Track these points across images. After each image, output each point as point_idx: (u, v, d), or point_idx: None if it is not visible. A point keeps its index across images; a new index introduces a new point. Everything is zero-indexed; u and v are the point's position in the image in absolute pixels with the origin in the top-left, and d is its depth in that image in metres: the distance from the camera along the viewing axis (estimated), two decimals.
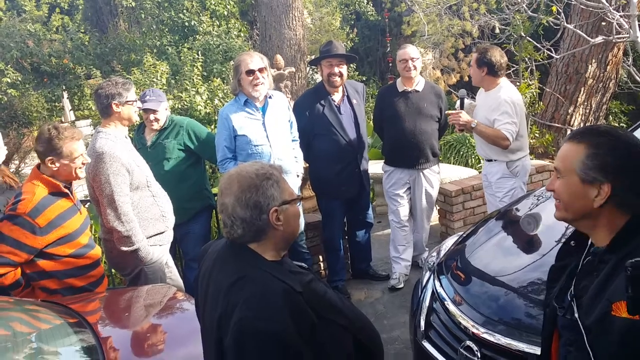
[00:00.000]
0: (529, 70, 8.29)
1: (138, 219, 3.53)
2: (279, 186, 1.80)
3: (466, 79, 8.86)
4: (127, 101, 3.56)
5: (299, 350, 1.64)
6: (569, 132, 8.03)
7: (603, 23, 7.13)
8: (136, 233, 3.48)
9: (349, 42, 12.15)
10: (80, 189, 7.24)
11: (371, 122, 5.26)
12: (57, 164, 3.11)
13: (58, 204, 3.13)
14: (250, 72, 4.01)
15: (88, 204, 4.17)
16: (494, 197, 4.51)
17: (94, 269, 3.35)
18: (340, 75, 4.49)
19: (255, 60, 4.05)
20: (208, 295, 1.86)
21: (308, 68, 10.12)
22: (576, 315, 1.58)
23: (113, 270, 4.61)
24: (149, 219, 3.62)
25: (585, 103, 8.16)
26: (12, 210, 3.03)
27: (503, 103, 4.29)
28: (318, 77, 12.13)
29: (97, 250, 3.37)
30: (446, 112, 4.69)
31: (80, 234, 3.26)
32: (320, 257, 5.11)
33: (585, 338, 1.53)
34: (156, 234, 3.67)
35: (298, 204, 1.91)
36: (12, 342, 2.57)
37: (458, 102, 4.41)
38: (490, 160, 4.51)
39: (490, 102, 4.34)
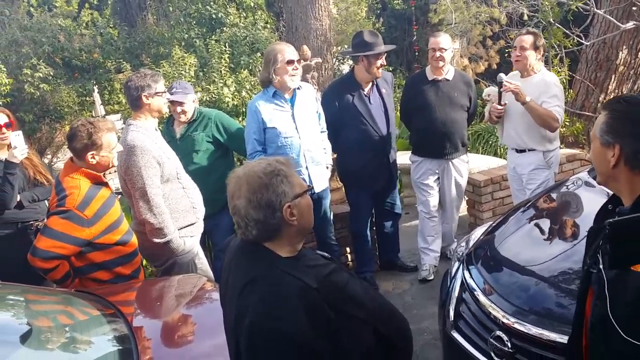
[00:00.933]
0: (558, 57, 8.16)
1: (169, 211, 3.58)
2: (289, 181, 1.77)
3: (494, 66, 8.75)
4: (157, 92, 3.60)
5: (315, 348, 1.62)
6: None
7: (634, 8, 6.99)
8: (168, 225, 3.53)
9: (374, 31, 12.03)
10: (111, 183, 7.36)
11: (397, 112, 5.24)
12: (97, 157, 3.18)
13: (101, 194, 3.20)
14: (291, 62, 4.04)
15: (119, 196, 4.25)
16: (523, 190, 4.44)
17: (136, 256, 3.43)
18: (382, 66, 4.50)
19: (292, 50, 4.09)
20: (227, 293, 1.86)
21: (334, 59, 10.11)
22: (601, 266, 1.66)
23: (144, 261, 4.68)
24: (180, 210, 3.67)
25: (617, 90, 8.00)
26: (60, 206, 3.10)
27: (552, 86, 4.27)
28: (344, 68, 12.12)
29: (135, 238, 3.44)
30: (484, 97, 4.61)
31: (122, 220, 3.34)
32: (348, 249, 5.12)
33: (606, 287, 1.62)
34: (187, 225, 3.72)
35: (310, 193, 1.88)
36: (48, 332, 2.64)
37: (497, 86, 4.36)
38: (522, 151, 4.43)
39: (534, 86, 4.25)
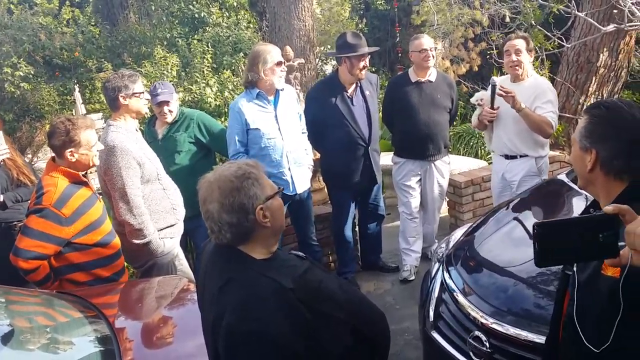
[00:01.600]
0: (539, 59, 8.23)
1: (149, 212, 3.57)
2: (259, 183, 1.79)
3: (476, 68, 8.81)
4: (134, 93, 3.59)
5: (295, 349, 1.63)
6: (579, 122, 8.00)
7: (615, 11, 7.05)
8: (147, 226, 3.53)
9: (358, 32, 12.07)
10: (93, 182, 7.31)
11: (380, 113, 5.27)
12: (76, 155, 3.16)
13: (80, 192, 3.19)
14: (280, 64, 4.07)
15: (100, 196, 4.23)
16: (510, 197, 4.42)
17: (118, 259, 3.42)
18: (365, 68, 4.50)
19: (279, 51, 4.14)
20: (204, 295, 1.87)
21: (317, 59, 10.12)
22: (574, 268, 1.71)
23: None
24: (160, 211, 3.66)
25: (597, 93, 8.09)
26: (37, 204, 3.08)
27: (548, 91, 4.25)
28: (327, 69, 12.13)
29: (117, 240, 3.43)
30: (473, 102, 4.57)
31: (104, 221, 3.33)
32: (330, 250, 5.14)
33: (575, 290, 1.67)
34: (167, 227, 3.71)
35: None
36: (29, 333, 2.63)
37: (489, 89, 4.29)
38: (513, 157, 4.35)
39: (526, 90, 4.20)
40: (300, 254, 1.94)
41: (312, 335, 1.68)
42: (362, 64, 4.44)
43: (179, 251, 3.87)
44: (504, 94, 4.10)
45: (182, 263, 3.89)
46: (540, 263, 1.43)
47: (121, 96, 3.55)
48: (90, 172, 3.45)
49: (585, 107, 7.96)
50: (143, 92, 3.68)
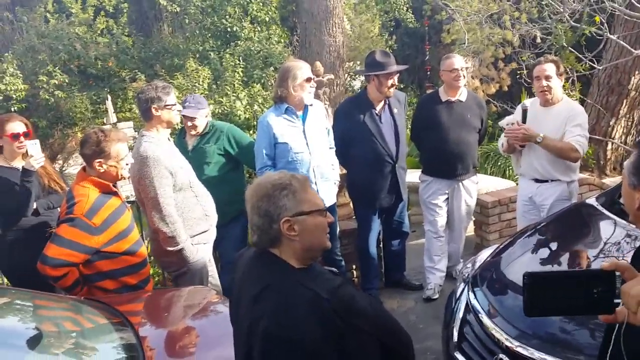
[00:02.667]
0: (570, 81, 8.18)
1: (182, 219, 3.64)
2: (295, 197, 1.82)
3: (505, 88, 8.78)
4: (167, 105, 3.65)
5: (326, 357, 1.67)
6: (609, 144, 7.91)
7: None
8: (180, 234, 3.59)
9: (388, 49, 12.13)
10: (122, 190, 7.41)
11: (408, 130, 5.27)
12: (105, 166, 3.23)
13: (110, 202, 3.25)
14: (309, 80, 4.12)
15: (129, 205, 4.30)
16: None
17: (144, 267, 3.48)
18: (393, 86, 4.52)
19: (308, 67, 4.19)
20: (241, 302, 1.90)
21: (346, 75, 10.17)
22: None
23: (158, 270, 4.75)
24: (192, 218, 3.73)
25: (628, 115, 8.02)
26: (69, 214, 3.14)
27: (580, 114, 4.18)
28: (356, 84, 12.19)
29: (144, 248, 3.49)
30: (503, 126, 4.50)
31: (132, 230, 3.39)
32: (354, 265, 5.14)
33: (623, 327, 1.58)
34: (200, 233, 3.78)
35: (324, 215, 1.90)
36: (56, 338, 2.68)
37: (520, 114, 4.22)
38: (544, 181, 4.27)
39: (557, 114, 4.14)
40: (334, 269, 1.98)
41: (343, 346, 1.71)
42: (390, 82, 4.46)
43: (210, 258, 3.94)
44: (516, 133, 4.09)
45: (213, 270, 3.96)
46: (529, 313, 1.41)
47: (154, 107, 3.61)
48: (122, 185, 3.52)
49: (613, 134, 7.93)
50: (175, 104, 3.75)
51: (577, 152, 4.05)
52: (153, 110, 3.62)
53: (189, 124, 4.37)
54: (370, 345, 1.82)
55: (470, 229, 5.78)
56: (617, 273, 1.35)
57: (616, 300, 1.34)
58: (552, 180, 4.24)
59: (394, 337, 1.92)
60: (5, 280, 4.35)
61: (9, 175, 3.77)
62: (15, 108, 8.97)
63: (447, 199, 4.89)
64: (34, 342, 2.61)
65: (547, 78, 4.15)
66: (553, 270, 1.67)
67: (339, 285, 1.83)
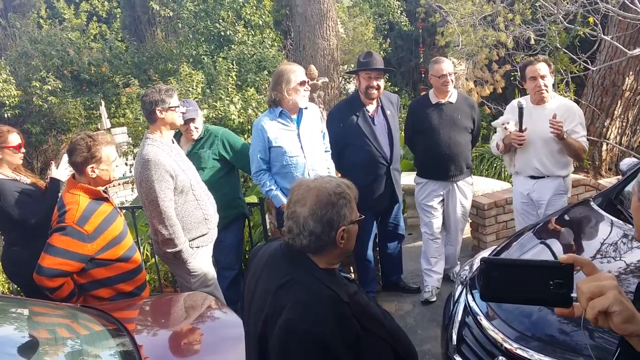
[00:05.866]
0: (564, 82, 8.20)
1: (181, 223, 3.67)
2: (350, 206, 1.86)
3: (499, 90, 8.79)
4: (170, 107, 3.67)
5: (342, 355, 1.68)
6: (604, 145, 7.93)
7: None
8: (179, 236, 3.62)
9: (381, 52, 12.15)
10: (116, 196, 7.39)
11: (402, 133, 5.26)
12: (97, 170, 3.22)
13: (101, 209, 3.23)
14: (303, 83, 4.11)
15: (124, 211, 4.29)
16: (537, 217, 4.35)
17: (139, 273, 3.47)
18: (378, 87, 4.50)
19: (303, 70, 4.18)
20: (255, 296, 1.92)
21: (341, 78, 10.16)
22: None
23: (154, 276, 4.72)
24: (192, 222, 3.76)
25: (622, 116, 8.03)
26: (60, 222, 3.12)
27: (578, 113, 4.24)
28: (350, 87, 12.18)
29: (138, 255, 3.49)
30: (497, 126, 4.55)
31: (125, 236, 3.38)
32: (351, 269, 5.12)
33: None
34: (199, 236, 3.81)
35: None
36: (53, 346, 2.64)
37: (512, 112, 4.33)
38: (541, 178, 4.34)
39: (551, 113, 4.14)
40: (349, 276, 1.99)
41: (359, 348, 1.73)
42: (374, 82, 4.46)
43: (210, 261, 3.97)
44: (555, 129, 4.03)
45: (214, 279, 3.97)
46: (486, 298, 1.40)
47: (158, 110, 3.64)
48: (113, 186, 3.51)
49: (608, 134, 7.94)
50: (178, 106, 3.76)
51: (585, 151, 4.19)
52: (157, 113, 3.64)
53: (192, 126, 4.36)
54: (383, 351, 1.84)
55: (467, 231, 5.78)
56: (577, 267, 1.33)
57: (573, 295, 1.31)
58: (548, 176, 4.32)
59: (401, 344, 1.94)
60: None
61: (19, 187, 3.82)
62: (9, 114, 8.94)
63: (443, 200, 4.88)
64: (29, 350, 2.58)
65: (543, 77, 4.22)
66: (510, 258, 1.64)
67: (356, 292, 1.88)
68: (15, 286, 4.91)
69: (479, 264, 1.37)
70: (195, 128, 4.39)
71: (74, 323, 2.94)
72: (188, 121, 4.32)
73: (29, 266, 3.20)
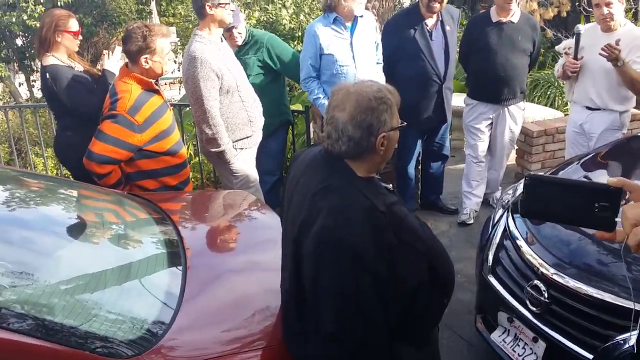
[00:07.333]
0: (632, 12, 7.76)
1: (226, 124, 3.67)
2: (391, 112, 1.80)
3: (564, 14, 8.37)
4: (220, 3, 3.59)
5: (374, 265, 1.69)
6: None
7: None
8: (222, 136, 3.64)
9: None
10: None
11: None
12: (150, 62, 3.22)
13: (152, 100, 3.25)
14: None
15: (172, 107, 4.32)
16: (587, 149, 4.18)
17: (184, 168, 3.53)
18: (441, 1, 4.31)
19: None
20: (293, 199, 1.92)
21: None
22: None
23: (197, 174, 4.80)
24: (236, 123, 3.76)
25: None
26: (112, 110, 3.16)
27: None
28: (405, 2, 11.77)
29: (184, 150, 3.54)
30: (560, 50, 4.33)
31: (173, 130, 3.41)
32: (391, 185, 5.11)
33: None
34: (243, 138, 3.82)
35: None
36: (99, 228, 2.75)
37: (574, 38, 4.09)
38: (597, 110, 4.15)
39: (621, 41, 3.84)
40: (389, 186, 1.96)
41: (392, 260, 1.72)
42: None
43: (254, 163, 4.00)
44: (605, 53, 3.79)
45: (255, 182, 4.00)
46: (525, 214, 1.37)
47: (208, 5, 3.56)
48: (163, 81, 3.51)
49: None
50: (229, 3, 3.68)
51: None
52: (207, 9, 3.57)
53: (235, 32, 4.27)
54: (418, 263, 1.83)
55: (512, 158, 5.68)
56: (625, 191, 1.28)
57: (617, 219, 1.27)
58: (604, 109, 4.13)
59: (440, 260, 1.92)
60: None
61: (73, 75, 3.81)
62: (62, 2, 8.93)
63: (491, 124, 4.78)
64: (77, 231, 2.68)
65: (608, 5, 3.93)
66: (557, 177, 1.59)
67: (394, 202, 1.84)
68: (65, 172, 5.06)
69: (524, 179, 1.34)
70: (239, 34, 4.30)
71: (120, 209, 3.04)
72: (230, 28, 4.24)
73: (79, 151, 3.27)
